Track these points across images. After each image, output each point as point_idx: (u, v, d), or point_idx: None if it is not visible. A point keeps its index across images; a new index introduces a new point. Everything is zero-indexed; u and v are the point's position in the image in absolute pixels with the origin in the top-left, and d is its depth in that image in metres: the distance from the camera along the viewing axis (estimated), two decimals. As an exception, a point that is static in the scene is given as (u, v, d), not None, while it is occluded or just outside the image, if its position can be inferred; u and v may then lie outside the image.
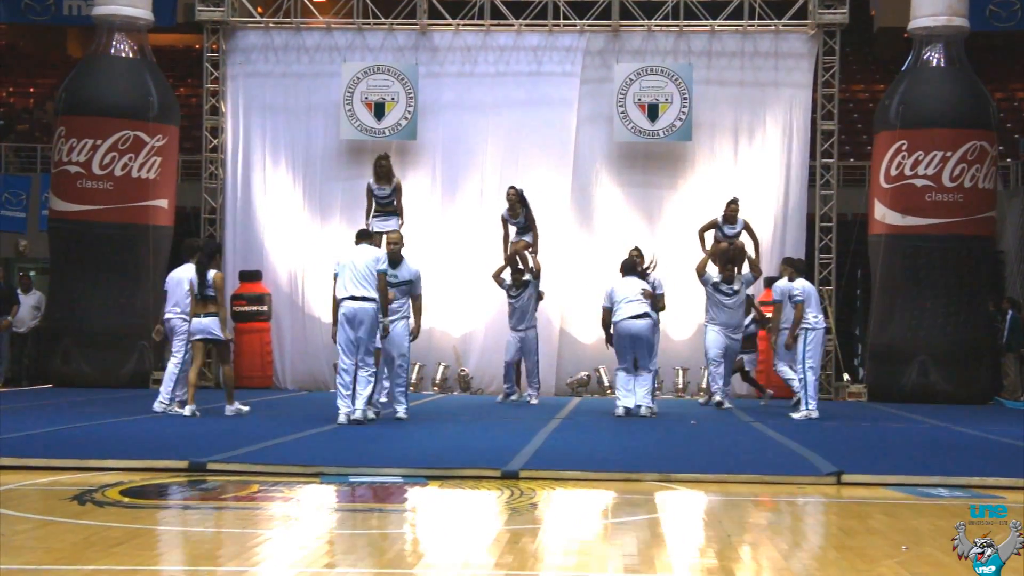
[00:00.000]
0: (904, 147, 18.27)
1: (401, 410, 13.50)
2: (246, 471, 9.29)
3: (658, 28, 19.29)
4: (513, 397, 16.52)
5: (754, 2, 19.14)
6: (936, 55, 18.68)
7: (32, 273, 21.06)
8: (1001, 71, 28.35)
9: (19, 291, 19.67)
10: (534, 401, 16.24)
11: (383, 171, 15.93)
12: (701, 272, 15.77)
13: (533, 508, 8.07)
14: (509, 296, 16.09)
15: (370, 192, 16.10)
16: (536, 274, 16.09)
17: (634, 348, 14.33)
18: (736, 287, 15.52)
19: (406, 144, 19.26)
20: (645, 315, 14.28)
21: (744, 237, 16.22)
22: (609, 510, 8.29)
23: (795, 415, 14.60)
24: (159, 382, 18.10)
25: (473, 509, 8.17)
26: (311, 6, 19.96)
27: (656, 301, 14.57)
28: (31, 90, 29.16)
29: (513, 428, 12.72)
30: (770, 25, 19.17)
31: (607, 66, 19.24)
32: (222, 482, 8.93)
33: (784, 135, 19.08)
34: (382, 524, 7.59)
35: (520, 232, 16.26)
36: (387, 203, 15.89)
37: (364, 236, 13.43)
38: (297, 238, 19.23)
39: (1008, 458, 10.78)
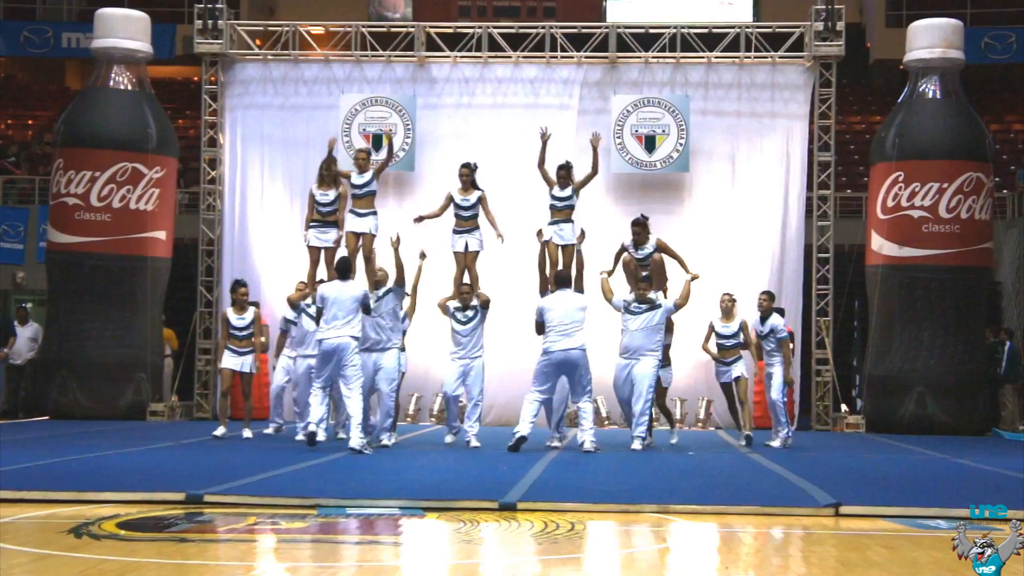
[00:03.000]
0: (901, 178, 18.33)
1: (385, 437, 13.93)
2: (243, 503, 9.25)
3: (655, 60, 19.38)
4: (449, 439, 14.73)
5: (751, 34, 19.25)
6: (932, 87, 18.76)
7: (29, 305, 21.07)
8: (997, 103, 28.49)
9: (16, 323, 19.67)
10: (475, 443, 14.10)
11: (329, 176, 14.88)
12: (609, 295, 14.23)
13: (532, 540, 8.03)
14: (458, 321, 14.58)
15: (312, 200, 14.97)
16: (484, 305, 14.66)
17: (561, 375, 13.66)
18: (645, 307, 13.98)
19: (404, 175, 19.32)
20: (578, 348, 13.45)
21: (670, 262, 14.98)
22: (609, 542, 8.25)
23: (774, 443, 14.84)
24: (156, 414, 18.28)
25: (470, 542, 8.13)
26: (309, 38, 20.05)
27: None
28: (29, 122, 29.23)
29: (511, 459, 12.68)
30: (767, 57, 19.26)
31: (604, 98, 19.33)
32: (219, 514, 8.89)
33: (781, 166, 19.14)
34: (379, 557, 7.56)
35: (466, 220, 14.94)
36: (329, 212, 14.93)
37: (344, 272, 13.44)
38: (294, 270, 19.19)
39: (1007, 490, 10.75)
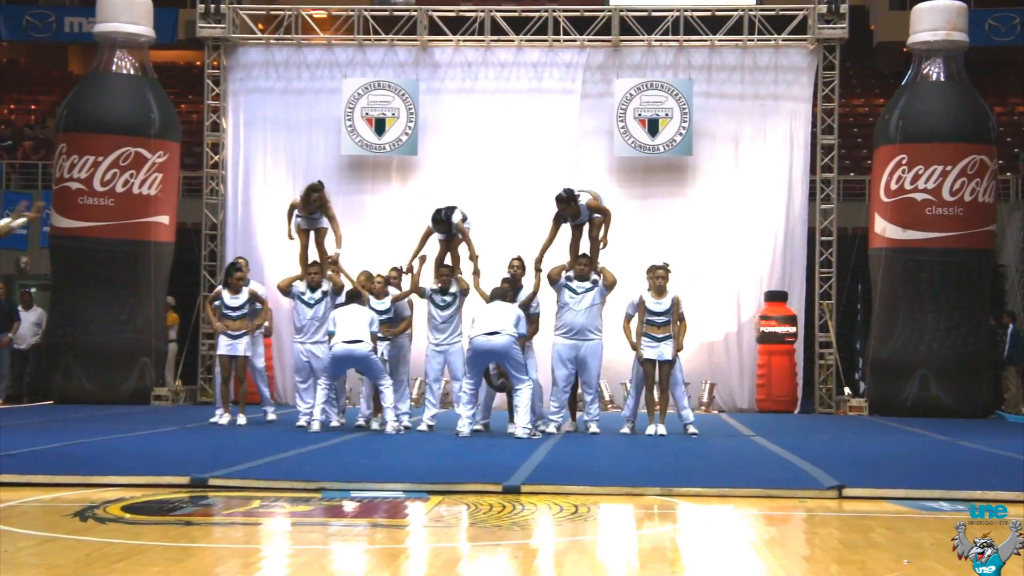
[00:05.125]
0: (904, 161, 18.31)
1: (405, 420, 14.39)
2: (248, 487, 9.28)
3: (658, 43, 19.35)
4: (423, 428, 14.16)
5: (754, 17, 19.21)
6: (936, 69, 18.72)
7: (33, 290, 21.09)
8: (1000, 85, 28.44)
9: (20, 308, 19.70)
10: (465, 432, 13.18)
11: (315, 203, 14.78)
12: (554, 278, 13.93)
13: (536, 523, 8.06)
14: (435, 305, 14.19)
15: (291, 212, 15.05)
16: (464, 292, 14.25)
17: (488, 363, 13.34)
18: (588, 285, 13.77)
19: (406, 159, 19.33)
20: (503, 333, 12.91)
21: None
22: (613, 524, 8.28)
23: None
24: (160, 398, 18.31)
25: (473, 524, 8.15)
26: (312, 22, 20.04)
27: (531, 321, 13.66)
28: (32, 107, 29.24)
29: (514, 443, 12.70)
30: (770, 40, 19.22)
31: (607, 81, 19.30)
32: (223, 498, 8.92)
33: (784, 149, 19.14)
34: (383, 540, 7.59)
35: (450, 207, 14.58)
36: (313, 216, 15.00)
37: (354, 297, 14.00)
38: (297, 254, 19.22)
39: (1009, 472, 10.77)
